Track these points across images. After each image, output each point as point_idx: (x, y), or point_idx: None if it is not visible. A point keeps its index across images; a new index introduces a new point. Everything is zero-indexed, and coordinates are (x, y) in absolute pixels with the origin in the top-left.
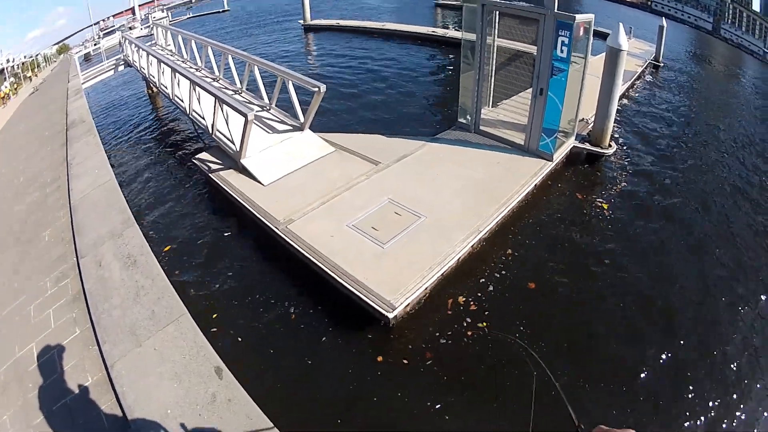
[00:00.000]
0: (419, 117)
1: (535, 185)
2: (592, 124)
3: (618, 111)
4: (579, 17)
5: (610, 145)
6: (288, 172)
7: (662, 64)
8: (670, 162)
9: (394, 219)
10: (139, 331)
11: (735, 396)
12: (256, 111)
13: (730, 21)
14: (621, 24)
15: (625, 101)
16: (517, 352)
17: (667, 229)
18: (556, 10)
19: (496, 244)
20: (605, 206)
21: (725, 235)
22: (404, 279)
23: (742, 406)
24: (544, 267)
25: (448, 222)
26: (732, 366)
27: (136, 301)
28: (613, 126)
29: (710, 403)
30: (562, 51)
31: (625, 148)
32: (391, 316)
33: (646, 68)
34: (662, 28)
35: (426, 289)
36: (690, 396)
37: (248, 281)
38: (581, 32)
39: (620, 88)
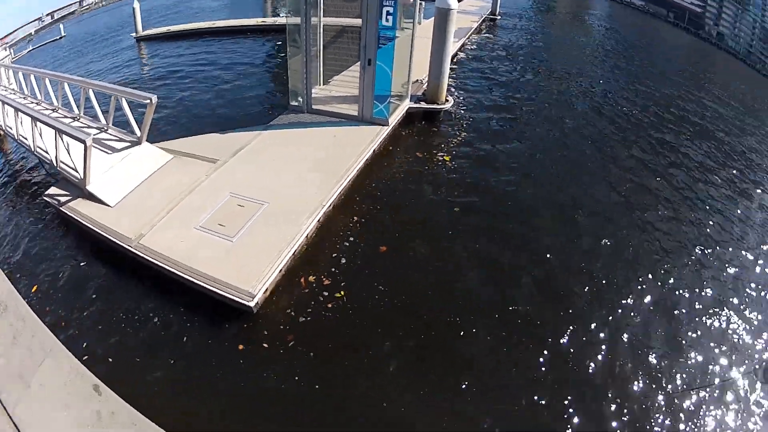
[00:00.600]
0: (254, 108)
1: (374, 151)
2: (426, 84)
3: (454, 67)
4: None
5: (446, 100)
6: (132, 188)
7: (499, 17)
8: (506, 108)
9: (238, 212)
10: (25, 372)
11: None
12: (94, 135)
13: None
14: None
15: (461, 56)
16: (379, 314)
17: (509, 171)
18: None
19: (343, 215)
20: (447, 158)
21: (561, 170)
22: (257, 267)
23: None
24: (392, 228)
25: (291, 203)
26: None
27: (15, 344)
28: (449, 82)
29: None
30: (387, 20)
31: (462, 100)
32: (251, 304)
33: (482, 23)
34: None
35: (281, 271)
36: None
37: (111, 303)
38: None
39: (451, 46)
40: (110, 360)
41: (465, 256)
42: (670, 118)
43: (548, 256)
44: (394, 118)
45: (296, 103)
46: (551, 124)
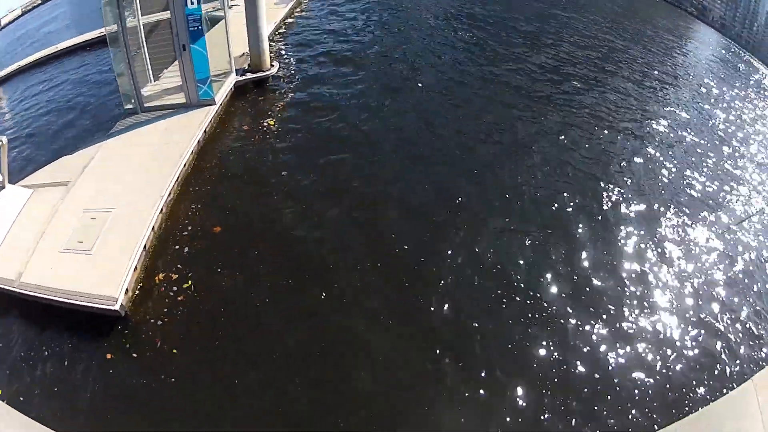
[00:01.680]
0: (98, 121)
1: (206, 131)
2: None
3: (283, 31)
4: None
5: (272, 65)
6: (5, 231)
7: None
8: (338, 60)
9: (92, 225)
10: None
11: None
12: None
13: None
14: None
15: (291, 20)
16: (232, 298)
17: (335, 119)
18: None
19: (182, 202)
20: (272, 123)
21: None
22: (114, 271)
23: None
24: (225, 207)
25: (134, 203)
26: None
27: None
28: (282, 46)
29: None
30: (192, 3)
31: (292, 61)
32: (116, 307)
33: None
34: None
35: (136, 269)
36: None
37: (11, 347)
38: None
39: (264, 12)
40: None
41: (290, 215)
42: None
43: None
44: (222, 96)
45: (131, 106)
46: (384, 64)
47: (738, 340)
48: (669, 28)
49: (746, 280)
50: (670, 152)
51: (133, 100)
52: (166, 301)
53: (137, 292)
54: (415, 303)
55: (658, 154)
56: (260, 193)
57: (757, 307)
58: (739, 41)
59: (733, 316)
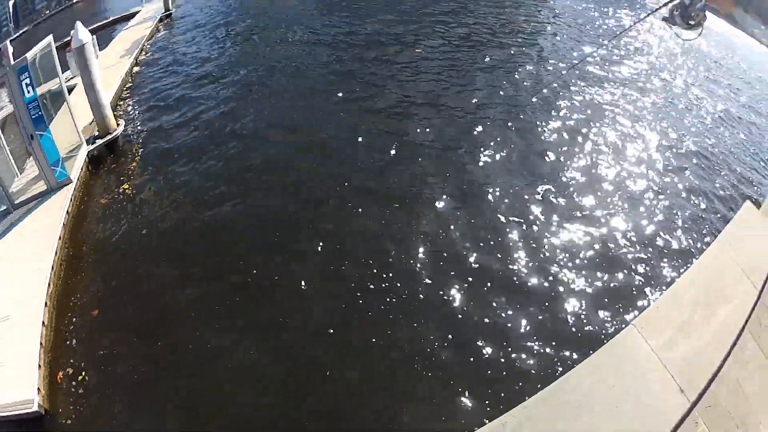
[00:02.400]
0: None
1: (68, 213)
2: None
3: (130, 85)
4: (29, 54)
5: (118, 124)
6: None
7: (173, 10)
8: (182, 104)
9: None
10: None
11: None
12: None
13: None
14: (78, 22)
15: (138, 69)
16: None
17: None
18: (12, 63)
19: (65, 292)
20: (126, 187)
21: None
22: (22, 375)
23: None
24: (98, 290)
25: (21, 304)
26: None
27: None
28: (128, 101)
29: None
30: (29, 92)
31: (137, 114)
32: (35, 408)
33: (158, 25)
34: None
35: (41, 367)
36: None
37: None
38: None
39: (98, 74)
40: None
41: (167, 279)
42: None
43: None
44: (77, 171)
45: (3, 207)
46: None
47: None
48: None
49: None
50: None
51: (5, 202)
52: (70, 399)
53: (48, 389)
54: None
55: None
56: (129, 266)
57: None
58: None
59: None
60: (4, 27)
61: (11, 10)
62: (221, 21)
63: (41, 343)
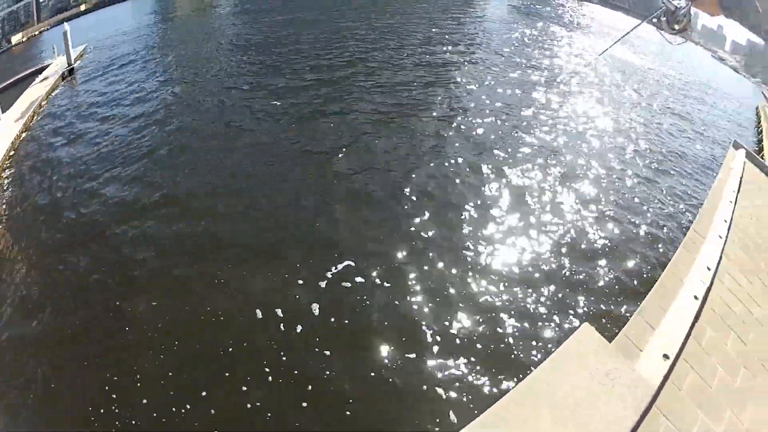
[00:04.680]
0: None
1: None
2: None
3: (14, 153)
4: None
5: None
6: None
7: (76, 65)
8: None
9: None
10: None
11: None
12: None
13: None
14: None
15: (32, 133)
16: None
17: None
18: None
19: None
20: None
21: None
22: None
23: None
24: None
25: None
26: None
27: None
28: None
29: None
30: None
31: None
32: None
33: (59, 81)
34: (66, 33)
35: None
36: None
37: None
38: None
39: None
40: None
41: None
42: None
43: None
44: None
45: None
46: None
47: None
48: None
49: None
50: None
51: None
52: None
53: None
54: None
55: None
56: None
57: None
58: None
59: None
60: None
61: None
62: (128, 76)
63: None
